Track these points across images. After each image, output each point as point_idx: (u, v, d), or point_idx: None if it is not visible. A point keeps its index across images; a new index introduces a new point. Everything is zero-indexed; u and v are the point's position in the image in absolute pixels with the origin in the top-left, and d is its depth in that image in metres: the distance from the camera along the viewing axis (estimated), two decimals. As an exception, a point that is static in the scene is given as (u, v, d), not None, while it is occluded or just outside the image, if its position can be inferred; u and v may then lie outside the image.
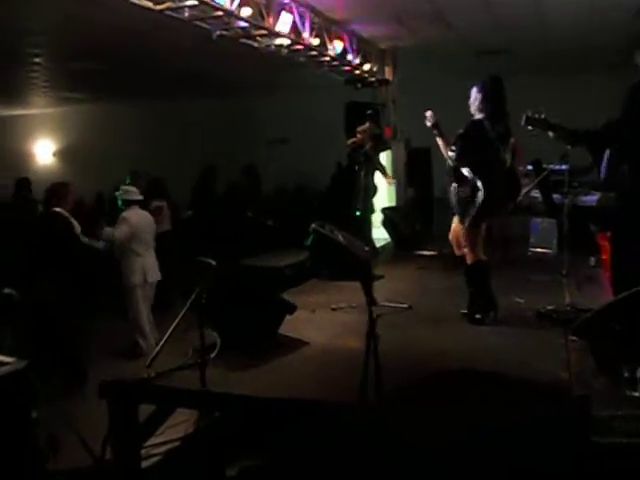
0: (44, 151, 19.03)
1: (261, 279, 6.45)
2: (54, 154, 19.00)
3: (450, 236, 6.30)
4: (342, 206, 9.91)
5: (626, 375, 3.94)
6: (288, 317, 5.33)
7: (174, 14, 6.64)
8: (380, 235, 10.75)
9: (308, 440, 3.73)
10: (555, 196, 9.73)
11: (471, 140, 5.77)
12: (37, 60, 10.88)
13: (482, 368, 4.40)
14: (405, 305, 6.35)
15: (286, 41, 8.05)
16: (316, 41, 8.73)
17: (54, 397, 4.85)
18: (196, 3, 6.29)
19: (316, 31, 8.68)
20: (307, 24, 8.35)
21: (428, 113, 6.00)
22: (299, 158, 14.46)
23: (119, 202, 6.84)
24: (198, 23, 6.99)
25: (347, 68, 10.33)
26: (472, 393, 3.78)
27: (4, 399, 3.41)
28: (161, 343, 4.15)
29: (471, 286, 6.01)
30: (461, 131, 5.79)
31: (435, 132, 6.03)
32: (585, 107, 9.93)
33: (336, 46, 9.40)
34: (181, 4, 6.40)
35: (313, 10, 8.47)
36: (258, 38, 7.94)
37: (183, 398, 4.01)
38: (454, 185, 5.92)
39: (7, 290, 4.75)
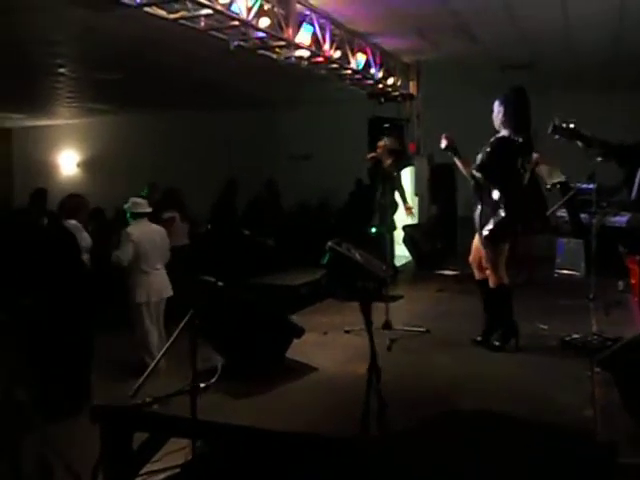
0: (68, 162, 19.06)
1: (272, 299, 6.21)
2: (78, 165, 19.02)
3: (470, 258, 6.03)
4: (360, 223, 9.67)
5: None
6: (299, 340, 5.09)
7: (189, 23, 6.49)
8: (402, 253, 10.49)
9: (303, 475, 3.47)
10: (582, 216, 9.42)
11: (496, 158, 5.57)
12: (61, 70, 10.87)
13: (498, 401, 4.11)
14: (422, 329, 6.09)
15: (306, 53, 7.85)
16: (337, 54, 8.54)
17: (51, 419, 4.64)
18: (211, 12, 6.12)
19: (337, 43, 8.48)
20: (328, 36, 8.15)
21: (443, 137, 5.83)
22: (321, 174, 14.27)
23: (127, 215, 6.65)
24: (214, 33, 6.82)
25: (370, 82, 10.12)
26: (485, 430, 3.49)
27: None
28: (149, 368, 3.92)
29: (489, 311, 5.73)
30: (488, 149, 5.57)
31: (451, 154, 5.84)
32: (613, 125, 9.61)
33: (358, 59, 9.20)
34: (196, 13, 6.24)
35: (334, 22, 8.27)
36: (277, 49, 7.75)
37: (172, 427, 3.74)
38: (479, 206, 5.69)
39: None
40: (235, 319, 4.70)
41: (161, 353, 4.03)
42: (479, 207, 5.71)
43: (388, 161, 8.85)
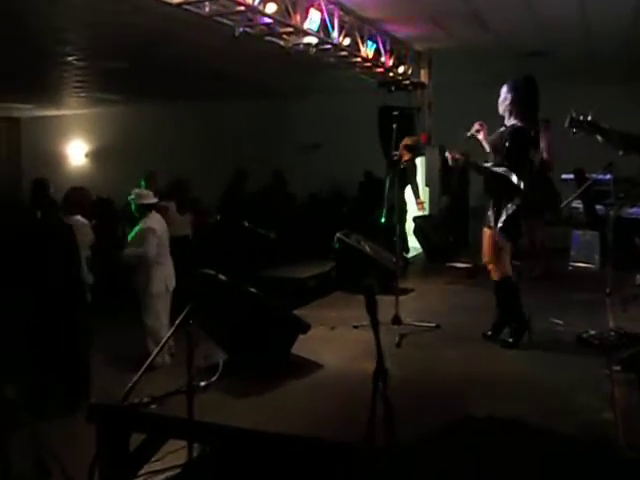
0: (77, 152, 18.96)
1: (278, 292, 6.03)
2: (86, 155, 18.91)
3: (485, 258, 5.80)
4: (370, 214, 9.46)
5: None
6: (305, 335, 4.92)
7: (194, 9, 6.32)
8: (413, 244, 10.30)
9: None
10: (598, 207, 9.20)
11: (515, 149, 5.42)
12: (70, 59, 10.74)
13: (512, 401, 3.93)
14: (433, 324, 5.90)
15: (314, 40, 7.65)
16: (347, 41, 8.33)
17: (48, 417, 4.49)
18: (215, -3, 5.95)
19: (346, 30, 8.27)
20: (336, 22, 7.95)
21: (477, 124, 5.79)
22: (331, 163, 14.08)
23: (132, 206, 6.48)
24: (219, 19, 6.64)
25: (380, 70, 9.89)
26: (500, 437, 3.31)
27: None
28: (142, 368, 3.74)
29: (500, 305, 5.54)
30: (507, 143, 5.41)
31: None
32: (628, 116, 9.33)
33: (369, 47, 8.99)
34: (200, -2, 6.07)
35: (343, 8, 8.06)
36: (285, 36, 7.56)
37: (169, 428, 3.58)
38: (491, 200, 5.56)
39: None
40: (238, 313, 4.53)
41: (156, 351, 3.87)
42: (492, 201, 5.57)
43: (406, 157, 8.65)
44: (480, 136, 5.84)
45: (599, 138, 4.84)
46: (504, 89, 5.66)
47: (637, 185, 8.65)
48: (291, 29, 7.25)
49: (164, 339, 3.89)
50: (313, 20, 7.36)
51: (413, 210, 9.98)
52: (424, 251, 10.27)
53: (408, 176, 9.34)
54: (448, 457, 2.87)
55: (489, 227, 5.58)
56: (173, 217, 8.34)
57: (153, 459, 4.10)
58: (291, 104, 15.13)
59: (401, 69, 10.31)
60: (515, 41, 9.67)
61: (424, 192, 10.72)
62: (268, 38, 7.51)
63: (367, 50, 8.94)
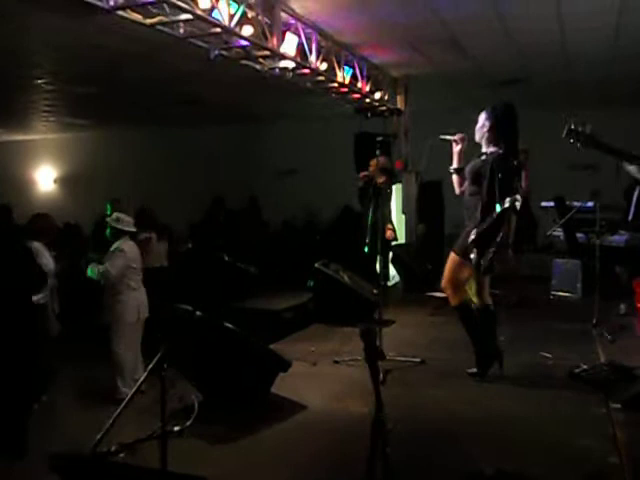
0: (45, 178, 18.55)
1: (253, 324, 5.74)
2: (55, 181, 18.51)
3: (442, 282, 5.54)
4: (349, 243, 9.23)
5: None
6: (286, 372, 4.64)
7: (168, 30, 6.08)
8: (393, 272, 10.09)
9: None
10: (578, 235, 9.10)
11: (502, 178, 5.19)
12: (38, 82, 10.44)
13: (511, 446, 3.68)
14: (417, 359, 5.66)
15: (291, 64, 7.46)
16: (324, 66, 8.15)
17: None
18: (191, 17, 5.69)
19: (324, 55, 8.10)
20: (314, 46, 7.77)
21: (459, 134, 5.62)
22: (306, 189, 13.88)
23: (107, 230, 6.18)
24: (194, 41, 6.41)
25: (357, 96, 9.72)
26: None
27: None
28: (114, 415, 3.44)
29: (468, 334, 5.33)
30: (490, 173, 5.17)
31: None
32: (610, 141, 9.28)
33: (345, 72, 8.83)
34: (175, 18, 5.82)
35: (321, 32, 7.89)
36: (261, 60, 7.36)
37: (140, 479, 3.26)
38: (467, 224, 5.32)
39: None
40: (214, 352, 4.24)
41: (125, 400, 3.55)
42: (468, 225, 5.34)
43: (380, 180, 8.46)
44: (457, 147, 5.63)
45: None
46: (483, 116, 5.45)
47: (620, 213, 8.56)
48: (268, 52, 7.06)
49: (136, 385, 3.58)
50: (290, 44, 7.18)
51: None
52: (402, 280, 10.06)
53: (385, 200, 9.12)
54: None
55: (454, 251, 5.36)
56: (153, 248, 8.10)
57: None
58: (267, 129, 14.94)
59: (377, 95, 10.16)
60: (494, 68, 9.60)
61: (399, 217, 10.56)
62: (244, 61, 7.29)
63: (344, 75, 8.79)
